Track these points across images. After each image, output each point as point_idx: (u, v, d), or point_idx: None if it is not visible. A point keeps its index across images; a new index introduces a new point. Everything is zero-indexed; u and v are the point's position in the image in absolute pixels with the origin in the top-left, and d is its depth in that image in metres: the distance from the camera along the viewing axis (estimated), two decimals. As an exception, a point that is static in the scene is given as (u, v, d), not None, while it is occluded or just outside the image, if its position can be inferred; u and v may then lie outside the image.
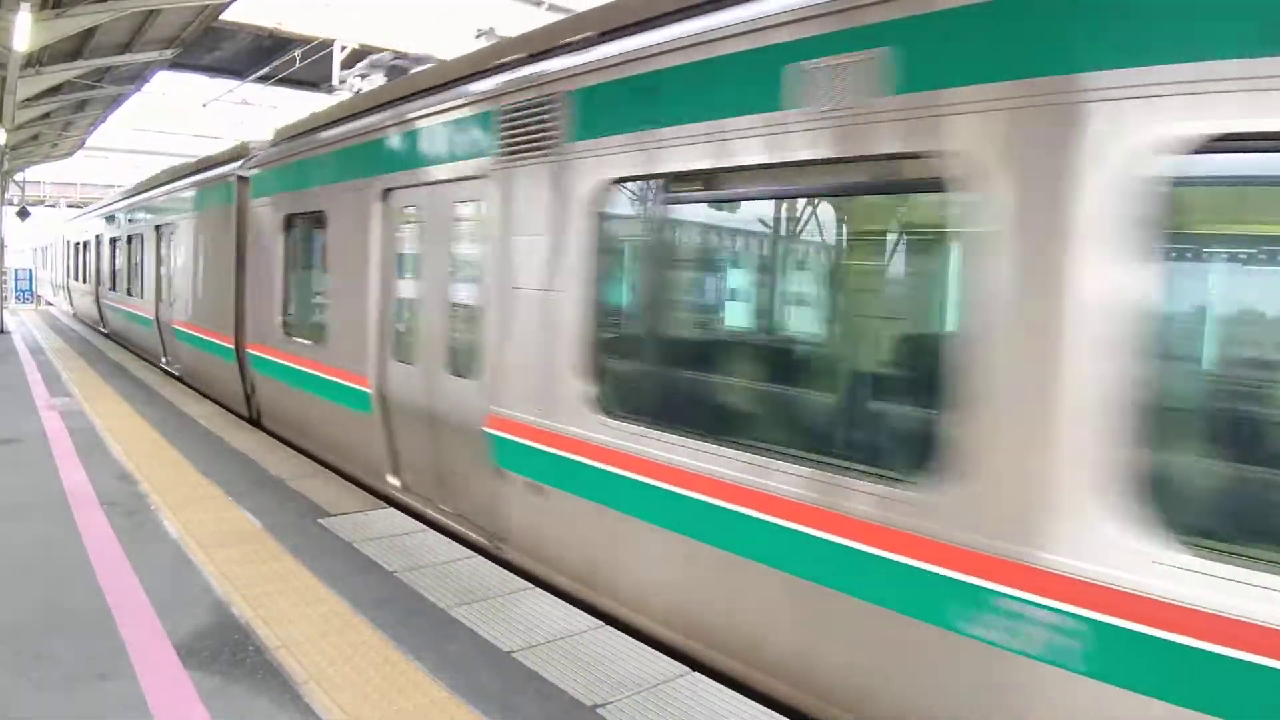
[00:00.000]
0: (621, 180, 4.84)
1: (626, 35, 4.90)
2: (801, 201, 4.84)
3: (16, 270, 38.04)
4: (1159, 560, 2.78)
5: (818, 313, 5.19)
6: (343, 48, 19.74)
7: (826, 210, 4.76)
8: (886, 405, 4.38)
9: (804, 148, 3.87)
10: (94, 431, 9.25)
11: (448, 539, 6.12)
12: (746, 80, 4.08)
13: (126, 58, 15.82)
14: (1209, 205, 3.52)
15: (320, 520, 6.40)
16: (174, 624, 4.49)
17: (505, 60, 5.93)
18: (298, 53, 20.66)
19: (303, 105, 22.82)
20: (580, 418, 4.96)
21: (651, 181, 4.78)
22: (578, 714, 3.77)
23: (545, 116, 5.26)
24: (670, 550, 4.49)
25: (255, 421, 10.49)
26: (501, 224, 5.65)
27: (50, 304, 36.21)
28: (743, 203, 4.93)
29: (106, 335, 21.15)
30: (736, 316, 5.77)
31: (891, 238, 4.64)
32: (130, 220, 17.57)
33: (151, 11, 13.15)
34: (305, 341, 8.75)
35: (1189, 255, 3.53)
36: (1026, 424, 3.12)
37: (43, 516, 6.23)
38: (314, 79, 22.31)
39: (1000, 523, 3.17)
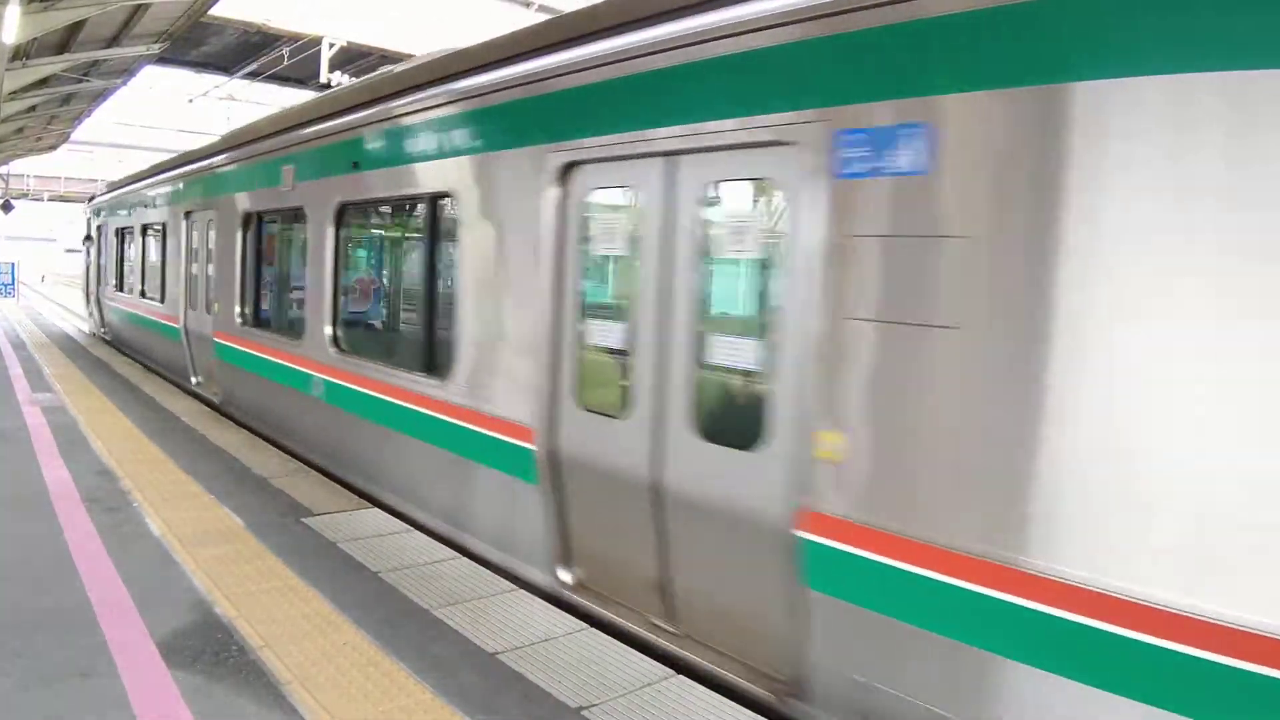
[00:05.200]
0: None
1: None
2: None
3: None
4: None
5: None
6: (330, 45, 19.70)
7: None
8: None
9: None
10: (76, 428, 9.18)
11: (432, 540, 6.10)
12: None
13: (114, 51, 15.72)
14: None
15: (303, 519, 6.37)
16: (156, 622, 4.47)
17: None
18: (285, 49, 20.60)
19: (290, 101, 22.70)
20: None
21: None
22: (563, 716, 3.77)
23: None
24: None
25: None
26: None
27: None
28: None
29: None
30: None
31: None
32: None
33: (140, 5, 13.07)
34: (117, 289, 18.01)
35: None
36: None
37: (23, 512, 6.19)
38: (301, 76, 22.27)
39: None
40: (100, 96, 21.62)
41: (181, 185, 12.92)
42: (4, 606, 4.59)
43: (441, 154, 6.27)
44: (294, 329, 8.91)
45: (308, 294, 8.38)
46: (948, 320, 3.31)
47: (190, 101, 28.57)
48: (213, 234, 11.18)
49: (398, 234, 8.36)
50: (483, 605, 4.94)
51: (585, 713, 3.80)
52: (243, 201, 10.23)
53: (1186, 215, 2.79)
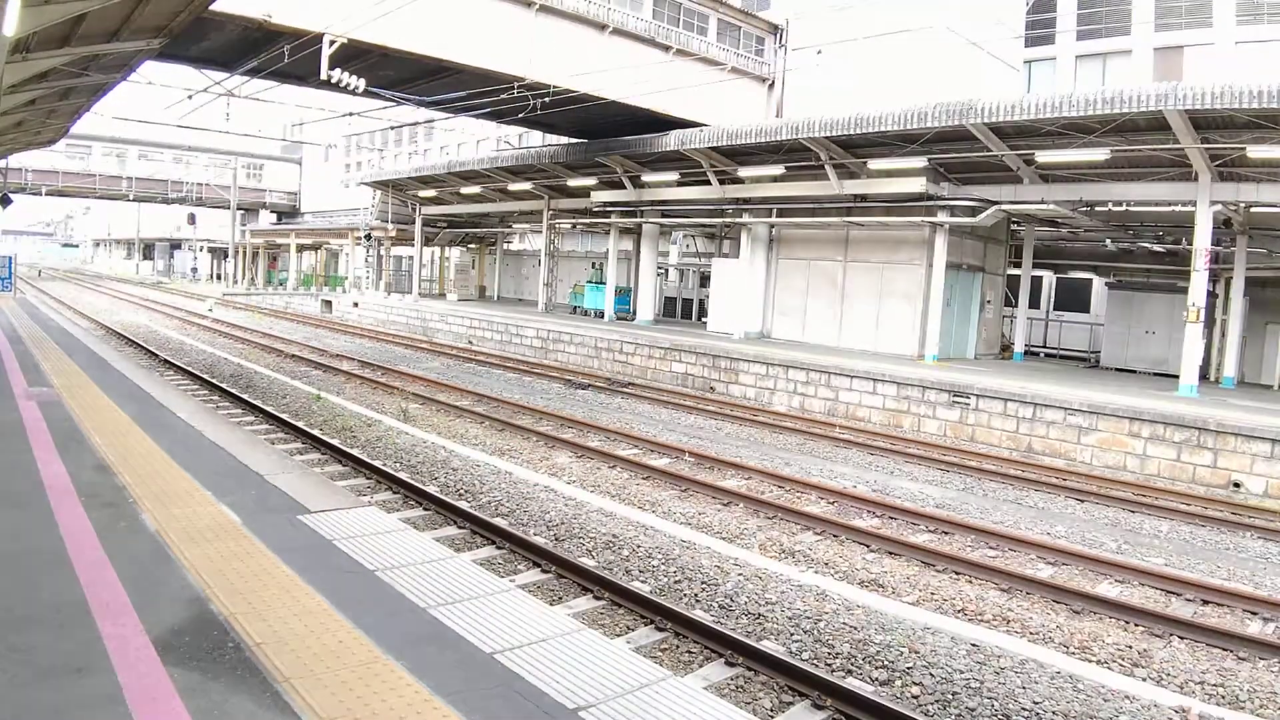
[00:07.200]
0: None
1: None
2: None
3: None
4: None
5: None
6: (331, 42, 19.68)
7: None
8: None
9: None
10: (72, 422, 9.15)
11: (428, 538, 6.09)
12: None
13: (114, 46, 15.68)
14: None
15: (300, 517, 6.36)
16: (152, 619, 4.46)
17: None
18: (286, 47, 20.56)
19: (288, 100, 22.72)
20: None
21: None
22: (559, 717, 3.77)
23: None
24: None
25: None
26: None
27: None
28: None
29: None
30: None
31: None
32: None
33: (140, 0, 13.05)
34: None
35: None
36: None
37: (19, 507, 6.17)
38: (302, 73, 22.23)
39: None
40: (99, 91, 21.56)
41: None
42: (-1, 601, 4.58)
43: None
44: None
45: None
46: None
47: (189, 97, 28.50)
48: None
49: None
50: (480, 605, 4.93)
51: (581, 713, 3.80)
52: None
53: None
